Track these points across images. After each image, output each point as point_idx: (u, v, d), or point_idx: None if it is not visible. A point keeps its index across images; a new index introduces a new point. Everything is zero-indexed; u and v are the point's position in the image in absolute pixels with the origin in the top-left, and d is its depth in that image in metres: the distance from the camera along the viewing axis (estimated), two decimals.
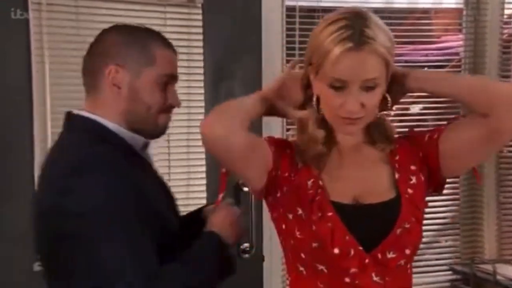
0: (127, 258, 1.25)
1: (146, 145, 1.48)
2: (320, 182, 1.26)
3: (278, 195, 1.29)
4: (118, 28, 1.49)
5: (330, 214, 1.23)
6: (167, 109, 1.47)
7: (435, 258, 3.30)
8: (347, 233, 1.22)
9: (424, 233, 3.59)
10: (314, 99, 1.27)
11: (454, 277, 3.26)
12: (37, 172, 2.58)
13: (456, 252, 3.31)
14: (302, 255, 1.25)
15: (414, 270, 3.44)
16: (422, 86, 1.29)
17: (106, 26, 2.64)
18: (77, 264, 1.28)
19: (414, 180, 1.30)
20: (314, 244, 1.22)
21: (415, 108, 3.35)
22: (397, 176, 1.30)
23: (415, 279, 3.49)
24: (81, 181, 1.28)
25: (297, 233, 1.24)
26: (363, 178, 1.29)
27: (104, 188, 1.27)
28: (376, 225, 1.24)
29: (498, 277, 2.96)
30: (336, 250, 1.20)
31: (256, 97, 1.29)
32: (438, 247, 3.34)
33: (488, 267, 3.03)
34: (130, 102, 1.41)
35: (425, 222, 3.61)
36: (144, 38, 1.45)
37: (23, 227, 2.59)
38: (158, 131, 1.47)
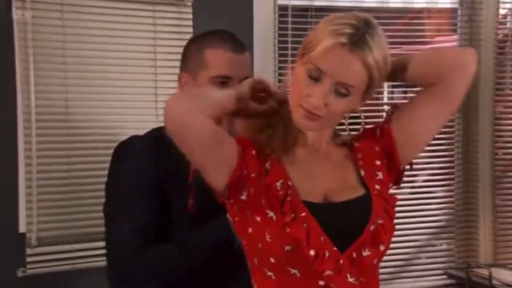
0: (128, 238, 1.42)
1: None
2: (289, 183, 1.23)
3: (243, 197, 1.23)
4: (191, 38, 1.66)
5: (303, 214, 1.19)
6: None
7: (429, 262, 3.27)
8: (321, 234, 1.18)
9: (418, 237, 3.56)
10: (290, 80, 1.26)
11: (449, 281, 3.23)
12: (21, 176, 2.52)
13: (451, 256, 3.27)
14: (272, 260, 1.21)
15: (409, 274, 3.41)
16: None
17: (93, 25, 2.63)
18: None
19: (380, 175, 1.30)
20: (287, 247, 1.17)
21: None
22: (363, 173, 1.30)
23: (410, 283, 3.45)
24: (115, 166, 1.52)
25: (267, 236, 1.19)
26: (332, 177, 1.28)
27: (131, 173, 1.47)
28: (348, 223, 1.22)
29: (494, 281, 2.93)
30: (311, 252, 1.17)
31: (231, 93, 1.26)
32: (433, 251, 3.30)
33: (484, 271, 3.00)
34: None
35: (419, 225, 3.58)
36: (202, 42, 1.57)
37: (7, 231, 2.57)
38: None
